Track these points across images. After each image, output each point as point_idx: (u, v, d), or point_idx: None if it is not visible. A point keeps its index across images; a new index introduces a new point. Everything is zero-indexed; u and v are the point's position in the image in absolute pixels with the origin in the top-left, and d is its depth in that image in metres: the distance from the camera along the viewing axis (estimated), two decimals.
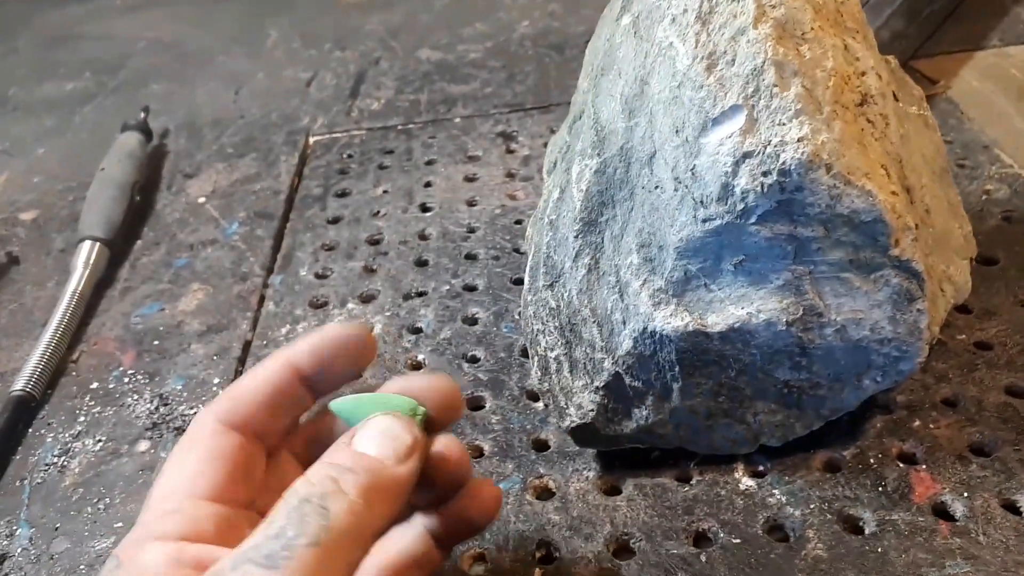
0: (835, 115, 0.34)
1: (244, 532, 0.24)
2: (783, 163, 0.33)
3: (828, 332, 0.35)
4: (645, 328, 0.36)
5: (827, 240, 0.34)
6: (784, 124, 0.33)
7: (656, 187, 0.37)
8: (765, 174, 0.33)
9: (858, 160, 0.34)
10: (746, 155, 0.33)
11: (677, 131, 0.35)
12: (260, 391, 0.30)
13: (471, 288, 0.54)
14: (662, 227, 0.36)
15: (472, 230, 0.59)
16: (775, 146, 0.33)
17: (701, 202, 0.34)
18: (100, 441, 0.46)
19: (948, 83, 0.68)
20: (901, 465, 0.38)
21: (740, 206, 0.34)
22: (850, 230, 0.34)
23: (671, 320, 0.36)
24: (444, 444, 0.30)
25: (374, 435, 0.28)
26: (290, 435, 0.32)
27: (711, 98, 0.34)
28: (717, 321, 0.36)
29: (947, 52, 0.72)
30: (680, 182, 0.35)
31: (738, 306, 0.35)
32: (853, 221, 0.34)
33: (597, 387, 0.38)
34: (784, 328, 0.35)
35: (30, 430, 0.48)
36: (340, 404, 0.30)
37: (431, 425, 0.30)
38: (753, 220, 0.34)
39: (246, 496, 0.29)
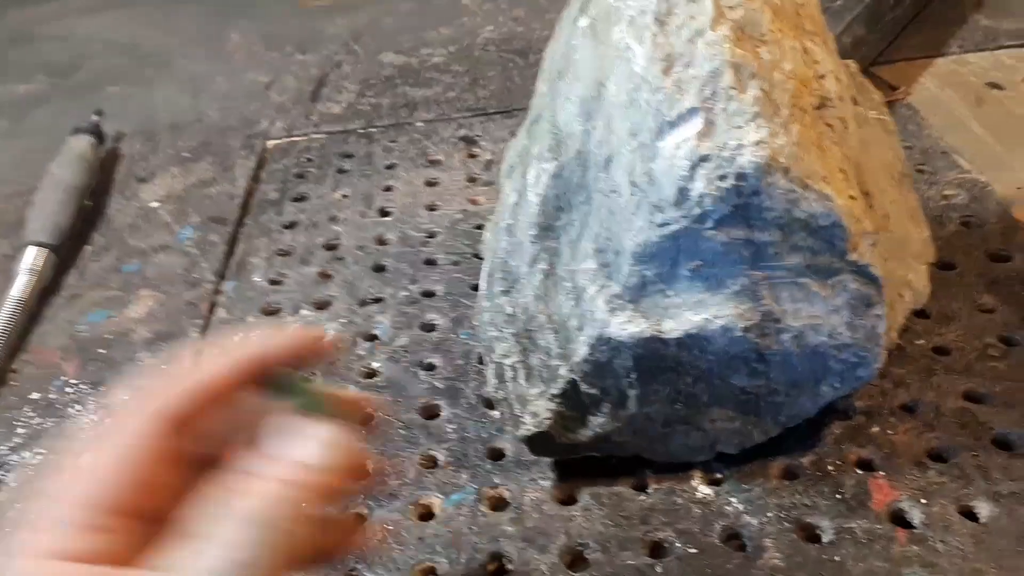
0: (793, 118, 0.34)
1: (146, 550, 0.22)
2: (740, 167, 0.32)
3: (785, 338, 0.35)
4: (601, 335, 0.36)
5: (784, 245, 0.34)
6: (741, 127, 0.33)
7: (613, 191, 0.36)
8: (722, 178, 0.32)
9: (816, 164, 0.34)
10: (703, 159, 0.32)
11: (634, 134, 0.35)
12: (208, 389, 0.26)
13: (429, 294, 0.53)
14: (619, 232, 0.36)
15: (432, 235, 0.58)
16: (732, 150, 0.32)
17: (657, 206, 0.34)
18: (40, 454, 0.45)
19: (908, 89, 0.68)
20: (859, 472, 0.38)
21: (697, 210, 0.33)
22: (807, 235, 0.34)
23: (627, 326, 0.35)
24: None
25: (321, 447, 0.25)
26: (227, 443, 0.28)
27: (668, 101, 0.34)
28: (674, 327, 0.35)
29: (908, 59, 0.72)
30: (637, 186, 0.34)
31: (695, 312, 0.35)
32: (810, 225, 0.33)
33: (553, 395, 0.37)
34: (741, 334, 0.35)
35: None
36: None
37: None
38: (710, 224, 0.33)
39: (154, 505, 0.25)
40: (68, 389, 0.49)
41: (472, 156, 0.68)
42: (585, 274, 0.37)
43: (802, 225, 0.33)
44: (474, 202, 0.62)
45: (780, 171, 0.32)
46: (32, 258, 0.56)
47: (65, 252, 0.59)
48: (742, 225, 0.33)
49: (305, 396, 0.28)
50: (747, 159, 0.32)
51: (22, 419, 0.47)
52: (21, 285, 0.54)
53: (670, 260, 0.34)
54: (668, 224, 0.34)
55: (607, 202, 0.36)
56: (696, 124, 0.33)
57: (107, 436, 0.25)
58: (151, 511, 0.24)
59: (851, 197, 0.35)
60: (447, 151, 0.68)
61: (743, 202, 0.33)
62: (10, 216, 0.66)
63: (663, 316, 0.35)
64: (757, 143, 0.32)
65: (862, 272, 0.34)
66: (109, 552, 0.23)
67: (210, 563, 0.22)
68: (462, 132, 0.71)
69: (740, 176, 0.32)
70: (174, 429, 0.25)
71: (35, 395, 0.49)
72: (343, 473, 0.26)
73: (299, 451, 0.25)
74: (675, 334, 0.35)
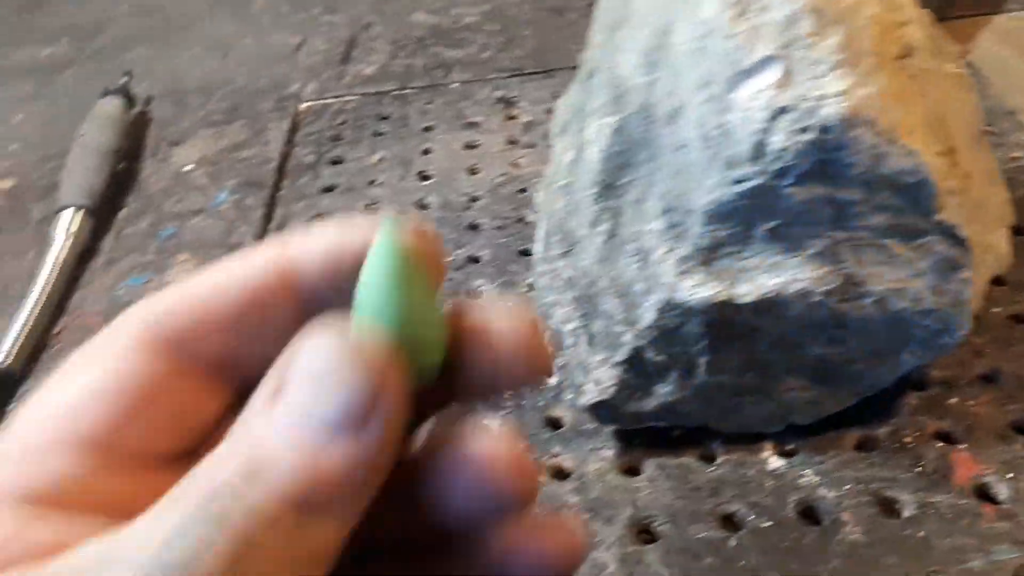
0: (876, 67, 0.32)
1: (142, 504, 0.15)
2: (822, 119, 0.30)
3: (867, 303, 0.33)
4: (670, 299, 0.34)
5: (868, 203, 0.32)
6: (822, 77, 0.31)
7: (681, 146, 0.34)
8: (802, 131, 0.30)
9: (902, 117, 0.31)
10: (781, 110, 0.31)
11: (704, 85, 0.33)
12: (226, 301, 0.19)
13: (475, 260, 0.51)
14: (688, 190, 0.34)
15: (474, 199, 0.56)
16: (813, 100, 0.30)
17: (732, 162, 0.32)
18: None
19: (967, 48, 0.65)
20: (939, 444, 0.36)
21: (775, 166, 0.31)
22: (892, 193, 0.32)
23: (698, 290, 0.33)
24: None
25: (305, 392, 0.16)
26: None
27: (742, 48, 0.32)
28: (748, 291, 0.33)
29: (962, 15, 0.69)
30: (708, 140, 0.33)
31: (771, 275, 0.33)
32: (896, 183, 0.31)
33: (617, 362, 0.36)
34: (820, 299, 0.33)
35: (9, 407, 0.45)
36: None
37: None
38: (789, 181, 0.31)
39: (167, 447, 0.18)
40: None
41: (511, 118, 0.65)
42: (652, 235, 0.35)
43: (888, 182, 0.31)
44: (516, 165, 0.60)
45: (865, 124, 0.30)
46: (68, 220, 0.55)
47: (101, 216, 0.58)
48: (823, 182, 0.31)
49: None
50: (830, 111, 0.30)
51: None
52: (58, 248, 0.53)
53: (745, 220, 0.33)
54: (744, 180, 0.32)
55: (675, 158, 0.34)
56: (773, 73, 0.31)
57: (79, 362, 0.19)
58: (167, 450, 0.18)
59: (937, 153, 0.33)
60: (485, 113, 0.66)
61: (825, 157, 0.31)
62: (41, 180, 0.65)
63: (737, 279, 0.33)
64: (840, 93, 0.30)
65: (949, 233, 0.32)
66: (97, 502, 0.17)
67: (153, 549, 0.14)
68: (499, 93, 0.69)
69: (823, 129, 0.30)
70: (174, 348, 0.19)
71: None
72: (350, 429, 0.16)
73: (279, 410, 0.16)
74: (749, 298, 0.33)
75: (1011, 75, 0.62)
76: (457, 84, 0.71)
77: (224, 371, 0.19)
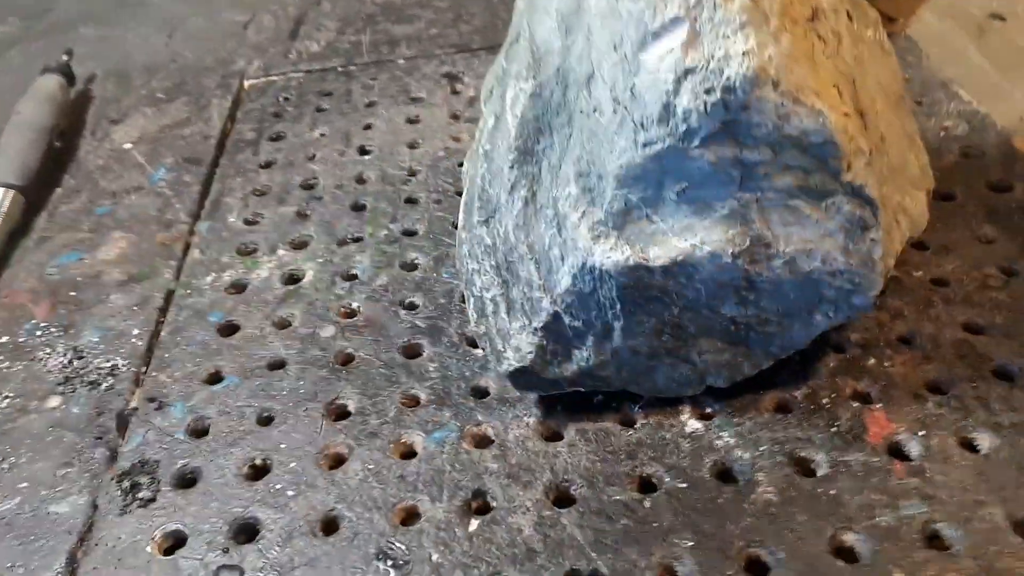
0: (783, 28, 0.32)
1: None
2: (727, 79, 0.30)
3: (776, 264, 0.33)
4: (584, 264, 0.34)
5: (775, 164, 0.32)
6: (728, 37, 0.31)
7: (594, 110, 0.34)
8: (708, 91, 0.30)
9: (808, 77, 0.32)
10: (688, 71, 0.31)
11: (615, 47, 0.33)
12: None
13: (410, 233, 0.51)
14: (601, 154, 0.34)
15: (413, 173, 0.56)
16: (719, 61, 0.30)
17: (641, 124, 0.32)
18: (7, 397, 0.43)
19: (907, 21, 0.66)
20: (855, 405, 0.36)
21: (682, 127, 0.31)
22: (799, 153, 0.32)
23: (611, 254, 0.33)
24: None
25: None
26: None
27: (650, 9, 0.31)
28: (660, 254, 0.33)
29: None
30: (619, 103, 0.32)
31: (681, 238, 0.33)
32: (802, 143, 0.31)
33: (535, 328, 0.36)
34: (730, 260, 0.33)
35: None
36: None
37: None
38: (696, 143, 0.31)
39: None
40: (37, 332, 0.47)
41: (455, 93, 0.65)
42: (567, 200, 0.35)
43: (794, 142, 0.31)
44: (456, 139, 0.59)
45: (770, 83, 0.30)
46: None
47: (34, 194, 0.57)
48: (730, 143, 0.31)
49: None
50: (735, 71, 0.30)
51: None
52: None
53: (655, 183, 0.33)
54: (652, 143, 0.32)
55: (589, 122, 0.34)
56: (680, 34, 0.31)
57: None
58: None
59: (845, 114, 0.33)
60: (429, 88, 0.66)
61: (731, 118, 0.31)
62: None
63: (649, 243, 0.33)
64: (745, 54, 0.30)
65: (857, 193, 0.33)
66: None
67: None
68: (445, 69, 0.69)
69: (727, 89, 0.30)
70: None
71: (3, 339, 0.47)
72: None
73: None
74: (661, 261, 0.33)
75: (948, 47, 0.62)
76: (403, 60, 0.71)
77: None
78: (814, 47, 0.33)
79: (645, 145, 0.32)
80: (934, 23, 0.67)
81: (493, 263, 0.38)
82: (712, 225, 0.33)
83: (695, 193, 0.32)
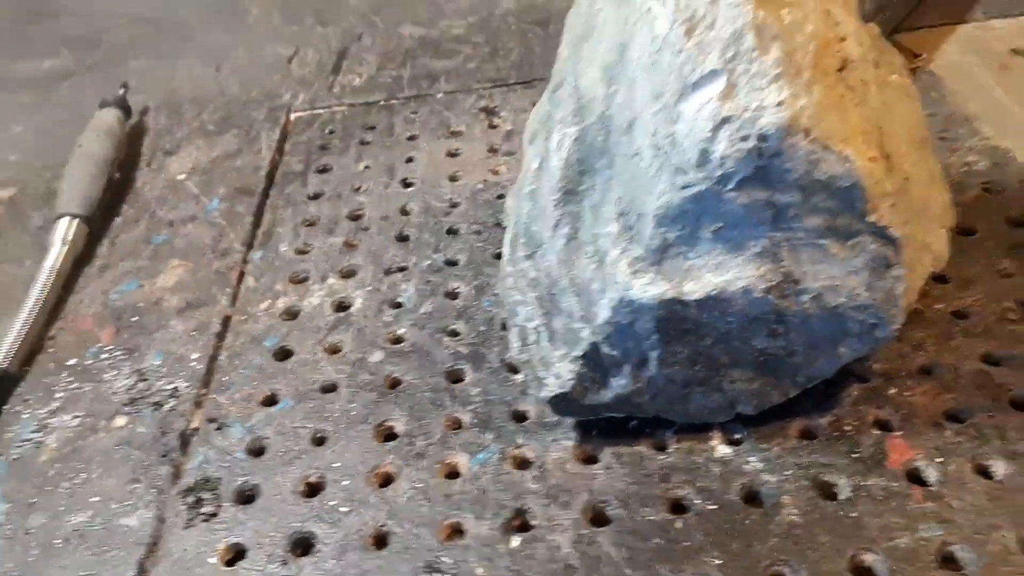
0: (814, 80, 0.34)
1: None
2: (761, 128, 0.32)
3: (805, 299, 0.35)
4: (623, 297, 0.36)
5: (804, 206, 0.34)
6: (763, 89, 0.33)
7: (635, 154, 0.36)
8: (743, 139, 0.33)
9: (836, 126, 0.34)
10: (725, 120, 0.33)
11: (656, 97, 0.35)
12: None
13: (452, 263, 0.54)
14: (641, 195, 0.36)
15: (454, 205, 0.59)
16: (754, 111, 0.33)
17: (680, 169, 0.34)
18: (77, 417, 0.46)
19: (931, 56, 0.68)
20: (876, 432, 0.38)
21: (718, 172, 0.33)
22: (827, 196, 0.34)
23: (649, 289, 0.36)
24: None
25: None
26: None
27: (690, 63, 0.34)
28: (695, 289, 0.35)
29: (930, 25, 0.72)
30: (659, 149, 0.35)
31: (716, 274, 0.35)
32: (830, 187, 0.34)
33: (575, 356, 0.38)
34: (761, 296, 0.35)
35: (6, 407, 0.48)
36: None
37: None
38: (731, 186, 0.34)
39: None
40: (103, 355, 0.50)
41: (493, 127, 0.68)
42: (607, 237, 0.37)
43: (822, 186, 0.34)
44: (495, 172, 0.62)
45: (801, 132, 0.33)
46: (65, 229, 0.57)
47: (97, 224, 0.61)
48: (763, 187, 0.34)
49: None
50: (768, 120, 0.32)
51: (60, 384, 0.49)
52: (55, 255, 0.56)
53: (692, 222, 0.35)
54: (690, 186, 0.34)
55: (629, 165, 0.37)
56: (718, 86, 0.33)
57: None
58: None
59: (871, 159, 0.35)
60: (468, 122, 0.69)
61: (764, 163, 0.33)
62: (41, 188, 0.68)
63: (684, 278, 0.36)
64: (778, 104, 0.33)
65: (881, 234, 0.35)
66: None
67: None
68: (482, 103, 0.71)
69: (761, 137, 0.33)
70: None
71: (72, 361, 0.50)
72: None
73: None
74: (696, 296, 0.35)
75: (972, 82, 0.64)
76: (442, 94, 0.74)
77: None
78: (843, 97, 0.35)
79: (683, 188, 0.34)
80: (957, 58, 0.69)
81: (536, 295, 0.40)
82: (745, 262, 0.35)
83: (729, 232, 0.35)
